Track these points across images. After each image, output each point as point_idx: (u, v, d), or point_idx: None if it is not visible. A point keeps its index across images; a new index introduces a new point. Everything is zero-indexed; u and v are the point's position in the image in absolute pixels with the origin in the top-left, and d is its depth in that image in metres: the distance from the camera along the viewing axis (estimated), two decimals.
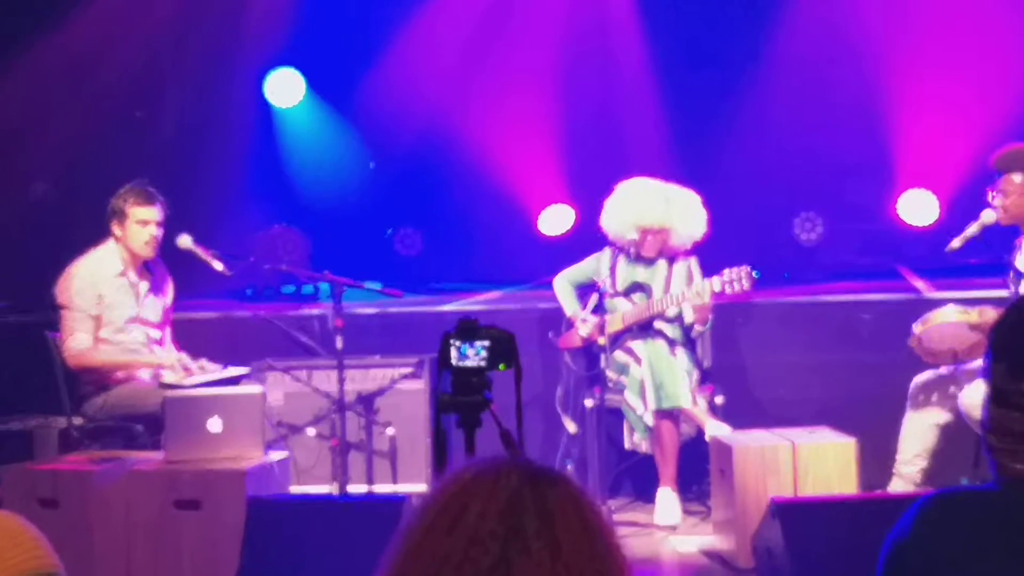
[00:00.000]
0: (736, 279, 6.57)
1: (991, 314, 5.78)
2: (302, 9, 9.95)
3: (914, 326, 6.08)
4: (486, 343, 3.11)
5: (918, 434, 6.35)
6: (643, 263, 7.04)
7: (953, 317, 5.95)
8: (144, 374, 6.62)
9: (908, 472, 6.35)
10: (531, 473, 1.73)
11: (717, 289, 6.60)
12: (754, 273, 6.59)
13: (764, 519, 5.23)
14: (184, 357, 6.56)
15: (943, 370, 6.27)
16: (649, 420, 6.61)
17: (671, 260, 7.03)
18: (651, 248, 6.95)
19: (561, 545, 1.67)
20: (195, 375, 6.46)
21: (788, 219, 9.12)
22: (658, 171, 7.28)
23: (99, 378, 6.51)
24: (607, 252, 7.14)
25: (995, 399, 2.25)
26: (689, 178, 7.23)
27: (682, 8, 9.81)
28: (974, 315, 5.89)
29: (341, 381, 6.74)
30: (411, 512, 1.76)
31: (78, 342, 6.45)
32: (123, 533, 5.73)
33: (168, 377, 6.47)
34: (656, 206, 6.90)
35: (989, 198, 6.16)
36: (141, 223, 6.55)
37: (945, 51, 8.96)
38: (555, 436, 7.18)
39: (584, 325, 6.86)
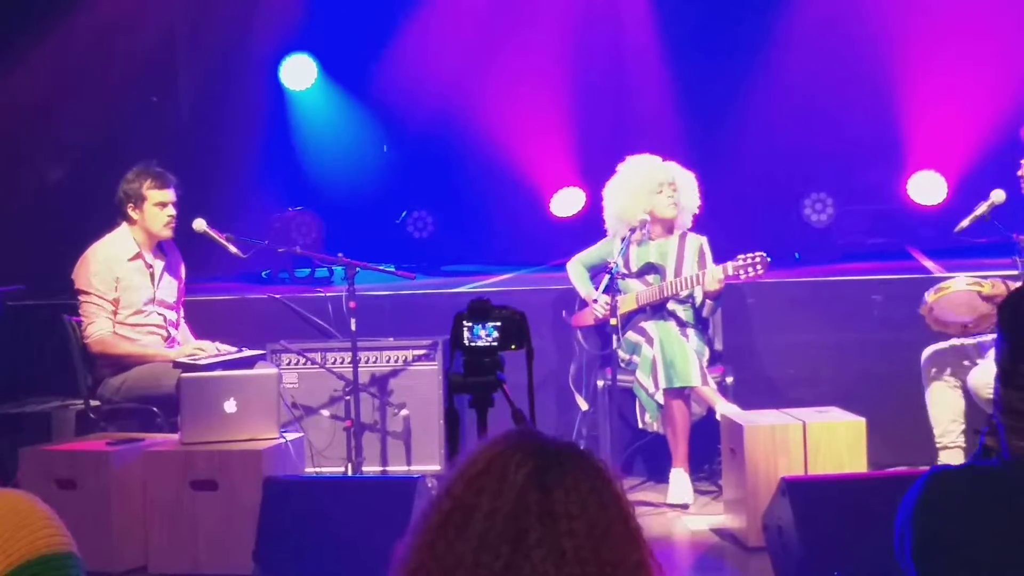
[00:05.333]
0: (751, 264, 6.58)
1: (1003, 287, 5.81)
2: None
3: (926, 294, 6.07)
4: (498, 323, 3.07)
5: (946, 401, 6.28)
6: (655, 244, 7.05)
7: (965, 287, 5.96)
8: None
9: (950, 441, 6.26)
10: (539, 469, 1.69)
11: (731, 274, 6.62)
12: (768, 259, 6.60)
13: (774, 497, 5.22)
14: (204, 345, 6.59)
15: (954, 341, 6.26)
16: (660, 399, 6.63)
17: (681, 238, 7.04)
18: (666, 214, 6.95)
19: (565, 553, 1.64)
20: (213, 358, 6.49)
21: (799, 200, 9.10)
22: (669, 153, 7.27)
23: (115, 361, 6.54)
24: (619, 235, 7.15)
25: (1002, 379, 2.28)
26: (700, 160, 7.25)
27: None
28: (987, 286, 5.89)
29: (355, 363, 6.76)
30: (425, 506, 1.74)
31: (99, 329, 6.46)
32: (140, 513, 5.79)
33: (182, 357, 6.48)
34: (659, 177, 6.93)
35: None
36: (160, 205, 6.58)
37: (954, 33, 8.95)
38: (569, 415, 7.20)
39: (599, 305, 6.87)
